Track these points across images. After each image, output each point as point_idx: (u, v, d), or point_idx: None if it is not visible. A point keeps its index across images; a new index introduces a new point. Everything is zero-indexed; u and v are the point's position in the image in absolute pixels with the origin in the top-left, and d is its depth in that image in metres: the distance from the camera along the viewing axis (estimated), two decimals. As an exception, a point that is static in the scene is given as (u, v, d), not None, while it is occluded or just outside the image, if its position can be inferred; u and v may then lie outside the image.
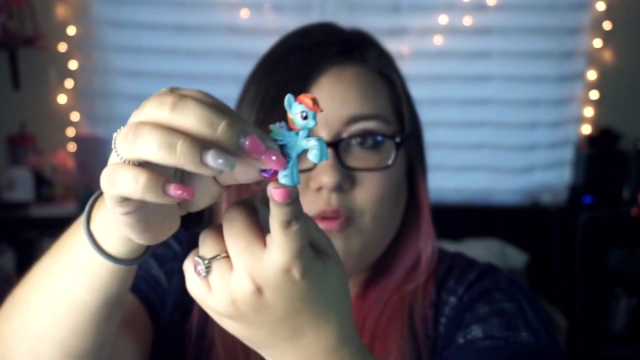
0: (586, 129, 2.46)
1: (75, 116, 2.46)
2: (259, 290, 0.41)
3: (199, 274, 0.42)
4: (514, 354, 0.61)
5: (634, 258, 2.36)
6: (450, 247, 0.78)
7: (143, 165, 0.36)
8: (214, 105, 0.37)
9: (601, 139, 2.41)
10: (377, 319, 0.68)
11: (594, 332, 2.34)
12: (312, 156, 0.39)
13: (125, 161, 0.36)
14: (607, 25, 2.37)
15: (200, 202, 0.42)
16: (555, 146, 2.46)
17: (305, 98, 0.38)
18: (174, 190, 0.36)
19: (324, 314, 0.43)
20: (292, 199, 0.38)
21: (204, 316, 0.69)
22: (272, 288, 0.40)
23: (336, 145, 0.64)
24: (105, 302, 0.47)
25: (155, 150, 0.35)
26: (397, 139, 0.67)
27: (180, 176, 0.42)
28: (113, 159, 0.38)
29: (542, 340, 0.64)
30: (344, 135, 0.65)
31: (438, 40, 2.37)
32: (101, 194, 0.44)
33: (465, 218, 2.39)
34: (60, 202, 2.34)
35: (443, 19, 2.35)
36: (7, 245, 2.26)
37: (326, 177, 0.63)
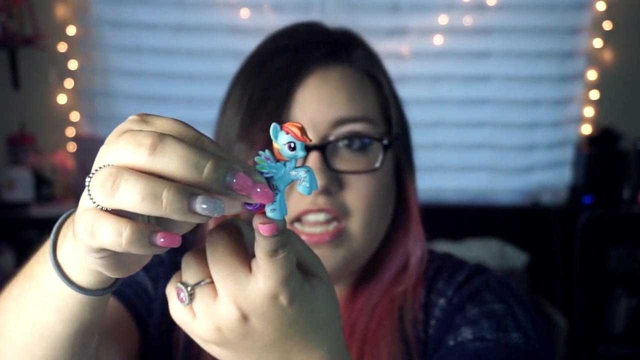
0: (586, 129, 2.46)
1: (75, 116, 2.46)
2: (244, 317, 0.39)
3: (183, 301, 0.40)
4: (505, 356, 0.61)
5: (634, 258, 2.35)
6: (450, 247, 0.78)
7: (122, 212, 0.34)
8: (196, 142, 0.34)
9: (601, 139, 2.41)
10: (367, 323, 0.67)
11: (594, 332, 2.34)
12: (302, 188, 0.37)
13: (101, 208, 0.34)
14: (607, 25, 2.37)
15: (178, 230, 0.40)
16: (555, 146, 2.46)
17: (292, 127, 0.37)
18: (161, 241, 0.33)
19: (314, 337, 0.42)
20: (279, 232, 0.37)
21: None
22: (258, 315, 0.39)
23: (323, 148, 0.63)
24: (78, 331, 0.44)
25: (139, 201, 0.32)
26: (385, 141, 0.66)
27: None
28: (86, 204, 0.35)
29: (532, 342, 0.63)
30: (331, 137, 0.64)
31: (438, 40, 2.36)
32: (67, 218, 0.42)
33: (465, 218, 2.39)
34: (60, 202, 2.34)
35: (443, 19, 2.35)
36: (7, 245, 2.25)
37: None
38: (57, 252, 0.41)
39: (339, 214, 0.64)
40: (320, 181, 0.62)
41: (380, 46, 2.35)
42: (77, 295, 0.41)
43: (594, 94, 2.43)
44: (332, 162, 0.64)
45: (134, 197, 0.32)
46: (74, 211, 0.41)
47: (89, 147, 2.40)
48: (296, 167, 0.37)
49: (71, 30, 2.40)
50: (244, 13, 2.36)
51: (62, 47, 2.40)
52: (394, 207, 0.71)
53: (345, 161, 0.65)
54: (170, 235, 0.34)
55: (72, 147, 2.45)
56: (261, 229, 0.36)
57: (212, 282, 0.40)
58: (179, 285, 0.41)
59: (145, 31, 2.37)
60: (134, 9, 2.36)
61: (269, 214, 0.37)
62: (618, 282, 2.35)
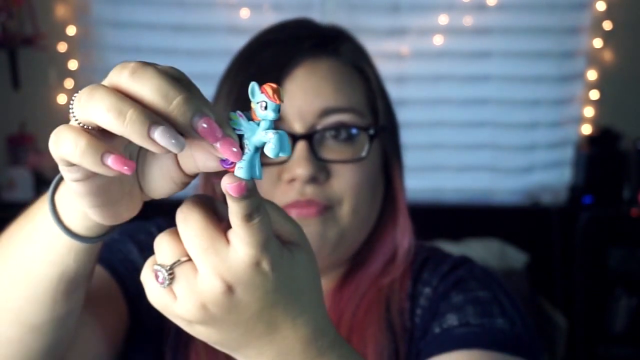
0: (586, 129, 2.46)
1: (75, 116, 2.45)
2: (229, 289, 0.39)
3: (163, 283, 0.39)
4: (491, 340, 0.61)
5: (634, 258, 2.35)
6: (450, 247, 0.78)
7: (94, 132, 0.35)
8: (176, 79, 0.35)
9: (601, 139, 2.41)
10: (354, 312, 0.68)
11: (594, 332, 2.34)
12: (268, 150, 0.36)
13: (78, 123, 0.36)
14: (607, 25, 2.37)
15: (163, 188, 0.40)
16: (555, 146, 2.46)
17: (267, 87, 0.36)
18: (113, 162, 0.34)
19: (298, 304, 0.42)
20: (249, 193, 0.37)
21: None
22: (243, 284, 0.39)
23: (310, 138, 0.64)
24: (62, 276, 0.45)
25: (104, 113, 0.33)
26: (371, 131, 0.67)
27: (137, 156, 0.40)
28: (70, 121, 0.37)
29: (517, 327, 0.64)
30: (318, 127, 0.65)
31: (438, 40, 2.36)
32: None
33: (465, 218, 2.39)
34: (60, 202, 2.34)
35: (443, 19, 2.35)
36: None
37: (300, 169, 0.62)
38: (56, 195, 0.43)
39: (328, 201, 0.65)
40: (308, 170, 0.62)
41: (380, 46, 2.37)
42: (64, 238, 0.43)
43: (594, 94, 2.43)
44: (319, 152, 0.65)
45: (101, 108, 0.33)
46: None
47: (89, 147, 2.39)
48: (268, 129, 0.36)
49: (71, 30, 2.40)
50: (244, 13, 2.36)
51: (62, 47, 2.40)
52: (381, 199, 0.72)
53: (332, 151, 0.66)
54: (125, 161, 0.34)
55: (72, 147, 2.45)
56: (229, 188, 0.36)
57: (189, 259, 0.39)
58: (156, 267, 0.40)
59: (145, 31, 2.37)
60: (134, 9, 2.36)
61: (237, 172, 0.36)
62: (618, 282, 2.35)
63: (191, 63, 2.33)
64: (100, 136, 0.35)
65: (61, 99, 2.45)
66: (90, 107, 0.34)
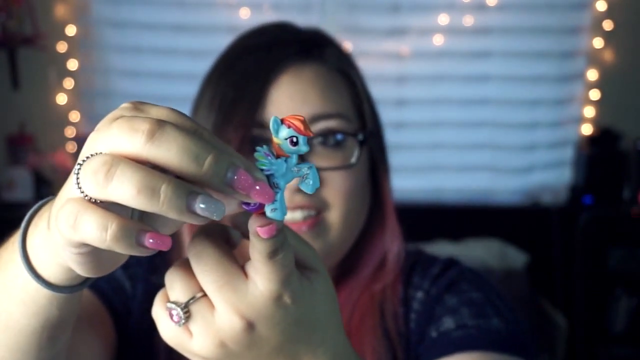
0: (586, 129, 2.46)
1: (75, 116, 2.45)
2: (250, 326, 0.37)
3: (178, 322, 0.37)
4: (488, 341, 0.62)
5: (634, 258, 2.35)
6: (450, 247, 0.78)
7: (109, 205, 0.31)
8: (196, 133, 0.32)
9: (601, 139, 2.41)
10: (349, 321, 0.68)
11: (594, 332, 2.34)
12: (305, 186, 0.35)
13: (89, 199, 0.31)
14: (607, 25, 2.37)
15: (163, 231, 0.37)
16: (555, 146, 2.46)
17: (294, 120, 0.34)
18: (149, 241, 0.30)
19: (319, 333, 0.41)
20: (278, 232, 0.35)
21: None
22: (264, 320, 0.37)
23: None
24: (45, 325, 0.42)
25: (134, 195, 0.29)
26: (360, 137, 0.66)
27: (138, 211, 0.35)
28: (71, 192, 0.32)
29: (512, 326, 0.64)
30: None
31: (438, 40, 2.36)
32: (41, 207, 0.40)
33: (465, 218, 2.38)
34: (60, 202, 2.33)
35: (443, 19, 2.35)
36: (6, 246, 2.25)
37: None
38: (27, 243, 0.39)
39: (318, 207, 0.64)
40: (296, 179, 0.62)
41: (380, 46, 2.37)
42: (43, 290, 0.39)
43: (594, 94, 2.43)
44: (308, 159, 0.64)
45: (129, 189, 0.29)
46: (50, 200, 0.39)
47: (88, 147, 2.39)
48: (297, 164, 0.35)
49: (71, 30, 2.40)
50: (244, 13, 2.35)
51: (62, 47, 2.40)
52: (370, 205, 0.71)
53: (321, 158, 0.65)
54: (160, 237, 0.31)
55: (71, 147, 2.45)
56: (260, 232, 0.34)
57: (204, 295, 0.38)
58: (169, 305, 0.38)
59: (145, 31, 2.37)
60: (134, 9, 2.36)
61: (270, 214, 0.34)
62: (618, 282, 2.35)
63: (191, 63, 2.33)
64: (123, 211, 0.31)
65: (61, 99, 2.44)
66: (114, 187, 0.30)
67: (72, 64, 2.41)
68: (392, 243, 0.71)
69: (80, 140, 2.42)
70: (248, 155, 0.63)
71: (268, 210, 0.34)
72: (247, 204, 0.34)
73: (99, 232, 0.30)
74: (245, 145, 0.62)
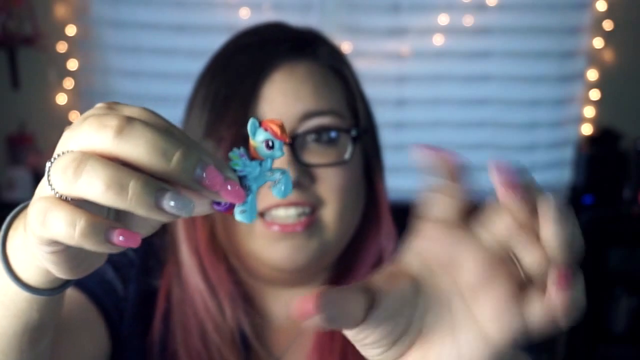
0: (587, 129, 2.46)
1: (74, 116, 2.45)
2: None
3: None
4: None
5: (635, 258, 2.35)
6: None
7: (82, 204, 0.31)
8: (166, 130, 0.31)
9: (602, 139, 2.41)
10: None
11: (594, 332, 2.34)
12: (276, 191, 0.35)
13: (60, 196, 0.31)
14: (607, 25, 2.37)
15: (140, 232, 0.37)
16: (555, 146, 2.46)
17: (271, 124, 0.34)
18: (118, 238, 0.30)
19: None
20: None
21: (166, 328, 0.68)
22: None
23: (292, 142, 0.63)
24: (25, 328, 0.41)
25: (103, 191, 0.29)
26: (353, 133, 0.66)
27: (114, 211, 0.36)
28: (44, 191, 0.32)
29: None
30: (299, 131, 0.64)
31: (438, 40, 2.36)
32: (22, 210, 0.40)
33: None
34: (59, 202, 2.33)
35: (443, 19, 2.35)
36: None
37: None
38: (7, 245, 0.38)
39: (312, 204, 0.64)
40: (291, 175, 0.61)
41: (380, 46, 2.36)
42: (23, 293, 0.39)
43: (594, 94, 2.43)
44: (302, 156, 0.64)
45: (98, 185, 0.29)
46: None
47: (88, 147, 2.39)
48: (271, 168, 0.35)
49: (71, 30, 2.39)
50: (244, 13, 2.35)
51: (62, 47, 2.40)
52: (364, 203, 0.71)
53: (314, 154, 0.65)
54: (130, 234, 0.30)
55: (71, 147, 2.45)
56: None
57: None
58: None
59: (145, 31, 2.37)
60: (134, 9, 2.36)
61: (238, 215, 0.34)
62: (618, 282, 2.35)
63: (191, 63, 2.33)
64: (89, 206, 0.31)
65: (61, 99, 2.44)
66: (82, 183, 0.30)
67: (72, 64, 2.41)
68: (387, 241, 0.71)
69: (80, 140, 2.42)
70: None
71: (237, 211, 0.34)
72: (218, 203, 0.34)
73: (68, 228, 0.30)
74: (238, 143, 0.62)
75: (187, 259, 0.67)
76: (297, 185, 0.62)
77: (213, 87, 0.65)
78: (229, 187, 0.32)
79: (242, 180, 0.34)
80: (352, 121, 0.68)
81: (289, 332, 0.71)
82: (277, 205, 0.62)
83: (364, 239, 0.71)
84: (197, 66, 0.72)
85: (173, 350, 0.67)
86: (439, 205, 0.38)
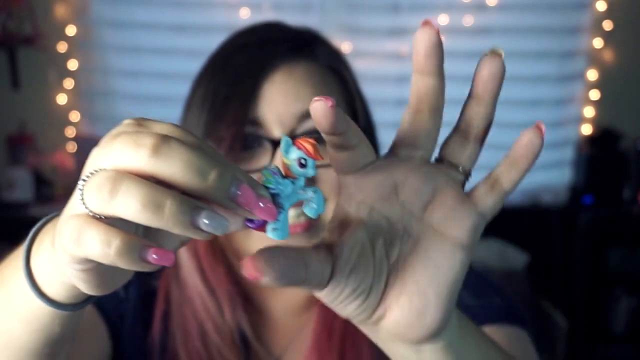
0: (587, 129, 2.46)
1: (75, 116, 2.45)
2: None
3: None
4: (493, 317, 0.63)
5: (635, 258, 2.35)
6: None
7: (112, 221, 0.31)
8: (199, 148, 0.31)
9: (602, 139, 2.41)
10: (345, 322, 0.67)
11: (594, 332, 2.34)
12: (309, 210, 0.35)
13: (93, 215, 0.31)
14: (607, 25, 2.37)
15: (167, 248, 0.37)
16: (555, 146, 2.45)
17: (305, 143, 0.34)
18: (152, 257, 0.30)
19: None
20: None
21: (165, 329, 0.68)
22: None
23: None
24: (46, 343, 0.41)
25: (139, 210, 0.29)
26: None
27: (142, 227, 0.35)
28: (76, 209, 0.32)
29: (511, 302, 0.66)
30: (299, 131, 0.63)
31: (438, 40, 2.36)
32: (46, 223, 0.40)
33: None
34: (60, 202, 2.33)
35: (443, 19, 2.35)
36: (7, 245, 2.25)
37: None
38: (31, 260, 0.38)
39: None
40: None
41: (380, 46, 2.36)
42: (47, 308, 0.38)
43: (594, 94, 2.43)
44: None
45: (134, 204, 0.29)
46: (55, 216, 0.40)
47: (89, 147, 2.38)
48: (304, 187, 0.35)
49: (71, 30, 2.40)
50: (244, 13, 2.35)
51: (62, 47, 2.40)
52: None
53: None
54: (164, 252, 0.30)
55: (72, 147, 2.45)
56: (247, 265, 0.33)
57: None
58: None
59: (145, 31, 2.37)
60: (134, 9, 2.36)
61: (270, 233, 0.34)
62: (618, 282, 2.35)
63: (191, 63, 2.33)
64: (126, 225, 0.31)
65: (61, 99, 2.44)
66: (117, 203, 0.30)
67: (72, 64, 2.41)
68: None
69: (80, 140, 2.42)
70: (240, 152, 0.62)
71: (269, 228, 0.34)
72: (251, 220, 0.34)
73: (103, 247, 0.30)
74: (237, 143, 0.62)
75: (185, 259, 0.67)
76: None
77: (212, 87, 0.65)
78: (261, 205, 0.32)
79: (274, 198, 0.34)
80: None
81: (288, 330, 0.71)
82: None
83: None
84: (196, 66, 0.72)
85: (173, 351, 0.67)
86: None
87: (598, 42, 2.39)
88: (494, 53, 0.37)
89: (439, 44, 0.38)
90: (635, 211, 2.34)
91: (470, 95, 0.40)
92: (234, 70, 0.65)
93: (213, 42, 0.75)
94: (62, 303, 0.38)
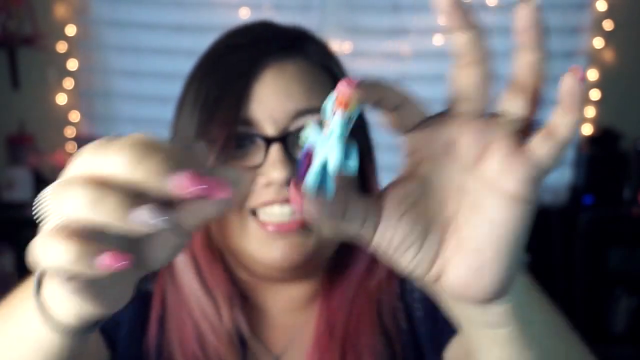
0: (587, 129, 2.46)
1: (74, 116, 2.45)
2: None
3: None
4: None
5: (635, 258, 2.35)
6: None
7: (81, 233, 0.33)
8: (143, 144, 0.32)
9: (602, 139, 2.41)
10: (346, 321, 0.67)
11: (594, 332, 2.34)
12: (330, 165, 0.34)
13: (58, 228, 0.33)
14: (607, 25, 2.37)
15: (161, 257, 0.38)
16: (555, 146, 2.46)
17: (341, 88, 0.34)
18: (110, 262, 0.32)
19: None
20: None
21: (161, 333, 0.68)
22: None
23: (284, 140, 0.62)
24: None
25: (83, 207, 0.31)
26: None
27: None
28: (48, 225, 0.34)
29: None
30: (291, 129, 0.63)
31: (438, 40, 2.36)
32: None
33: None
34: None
35: (443, 19, 2.35)
36: (6, 245, 2.25)
37: (275, 172, 0.60)
38: (41, 288, 0.40)
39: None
40: (283, 173, 0.61)
41: (380, 46, 2.36)
42: (57, 334, 0.40)
43: (595, 94, 2.43)
44: (295, 154, 0.63)
45: (77, 203, 0.32)
46: None
47: (88, 147, 2.39)
48: (341, 138, 0.34)
49: (71, 30, 2.39)
50: (244, 13, 2.35)
51: (62, 46, 2.40)
52: None
53: None
54: (120, 256, 0.32)
55: (71, 147, 2.45)
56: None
57: None
58: None
59: (144, 31, 2.37)
60: (134, 9, 2.36)
61: (307, 187, 0.34)
62: (618, 282, 2.35)
63: (191, 63, 2.33)
64: (84, 234, 0.33)
65: (61, 98, 2.44)
66: (66, 203, 0.32)
67: (72, 64, 2.41)
68: None
69: (80, 140, 2.42)
70: (233, 151, 0.62)
71: (306, 183, 0.35)
72: (295, 181, 0.35)
73: (61, 257, 0.32)
74: (230, 143, 0.62)
75: (181, 262, 0.67)
76: (289, 183, 0.61)
77: (204, 88, 0.65)
78: (206, 186, 0.32)
79: (309, 153, 0.35)
80: None
81: (287, 329, 0.71)
82: (272, 202, 0.62)
83: None
84: (196, 66, 0.72)
85: (169, 355, 0.67)
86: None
87: (598, 42, 2.39)
88: (523, 3, 0.37)
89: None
90: (635, 211, 2.34)
91: (516, 48, 0.40)
92: (224, 70, 0.65)
93: (213, 42, 0.75)
94: (70, 329, 0.40)
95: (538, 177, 0.36)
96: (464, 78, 0.38)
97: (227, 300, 0.67)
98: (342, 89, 0.34)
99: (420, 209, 0.36)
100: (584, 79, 0.36)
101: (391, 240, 0.36)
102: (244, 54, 0.65)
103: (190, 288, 0.67)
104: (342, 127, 0.34)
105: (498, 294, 0.37)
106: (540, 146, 0.36)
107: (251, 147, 0.63)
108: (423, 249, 0.36)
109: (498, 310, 0.39)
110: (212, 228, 0.66)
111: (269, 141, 0.62)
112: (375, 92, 0.36)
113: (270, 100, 0.63)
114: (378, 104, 0.37)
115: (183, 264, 0.67)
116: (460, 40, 0.38)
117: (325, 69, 0.68)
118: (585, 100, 2.41)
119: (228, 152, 0.62)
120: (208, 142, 0.62)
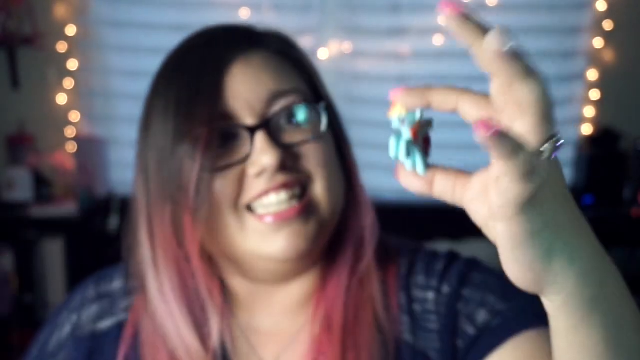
0: (587, 129, 2.46)
1: (74, 116, 2.45)
2: None
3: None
4: (527, 319, 0.63)
5: (635, 258, 2.35)
6: (451, 247, 0.77)
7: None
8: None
9: (602, 139, 2.41)
10: (344, 317, 0.67)
11: (594, 333, 2.33)
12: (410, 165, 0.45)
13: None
14: (607, 25, 2.37)
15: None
16: (555, 146, 2.46)
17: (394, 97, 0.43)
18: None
19: None
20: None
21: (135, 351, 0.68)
22: None
23: (266, 126, 0.63)
24: None
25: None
26: (323, 106, 0.67)
27: None
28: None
29: (533, 299, 0.65)
30: (270, 114, 0.64)
31: (438, 40, 2.36)
32: None
33: (465, 218, 2.37)
34: (59, 203, 2.33)
35: (443, 19, 2.35)
36: (6, 246, 2.25)
37: (266, 157, 0.61)
38: None
39: (301, 182, 0.64)
40: (274, 157, 0.61)
41: (380, 46, 2.36)
42: None
43: (594, 94, 2.43)
44: (280, 138, 0.64)
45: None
46: None
47: (88, 147, 2.39)
48: (409, 143, 0.45)
49: (70, 30, 2.40)
50: (244, 13, 2.35)
51: (62, 46, 2.40)
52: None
53: (291, 134, 0.65)
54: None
55: (71, 147, 2.45)
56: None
57: None
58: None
59: (144, 31, 2.37)
60: (134, 9, 2.36)
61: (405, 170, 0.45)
62: (618, 282, 2.35)
63: (191, 63, 2.33)
64: None
65: (60, 98, 2.44)
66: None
67: (72, 64, 2.41)
68: (366, 216, 0.71)
69: (80, 140, 2.42)
70: (218, 148, 0.62)
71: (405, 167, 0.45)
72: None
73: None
74: (213, 140, 0.62)
75: (162, 284, 0.66)
76: (282, 167, 0.62)
77: (173, 92, 0.65)
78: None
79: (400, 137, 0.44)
80: (314, 98, 0.69)
81: (280, 339, 0.70)
82: (267, 192, 0.62)
83: (344, 219, 0.70)
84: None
85: None
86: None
87: (598, 42, 2.39)
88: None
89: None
90: (635, 211, 2.34)
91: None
92: (191, 71, 0.66)
93: (213, 42, 0.76)
94: None
95: (515, 196, 0.40)
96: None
97: (219, 313, 0.66)
98: (391, 96, 0.40)
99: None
100: (496, 132, 0.39)
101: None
102: (208, 53, 0.67)
103: (167, 312, 0.66)
104: (402, 127, 0.43)
105: (532, 288, 0.45)
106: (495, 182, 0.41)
107: (235, 141, 0.63)
108: None
109: (556, 305, 0.45)
110: (205, 239, 0.65)
111: (252, 130, 0.62)
112: (420, 96, 0.42)
113: (243, 90, 0.64)
114: (432, 107, 0.42)
115: (164, 288, 0.66)
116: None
117: (287, 56, 0.69)
118: (585, 100, 2.42)
119: (213, 149, 0.62)
120: (190, 144, 0.62)
